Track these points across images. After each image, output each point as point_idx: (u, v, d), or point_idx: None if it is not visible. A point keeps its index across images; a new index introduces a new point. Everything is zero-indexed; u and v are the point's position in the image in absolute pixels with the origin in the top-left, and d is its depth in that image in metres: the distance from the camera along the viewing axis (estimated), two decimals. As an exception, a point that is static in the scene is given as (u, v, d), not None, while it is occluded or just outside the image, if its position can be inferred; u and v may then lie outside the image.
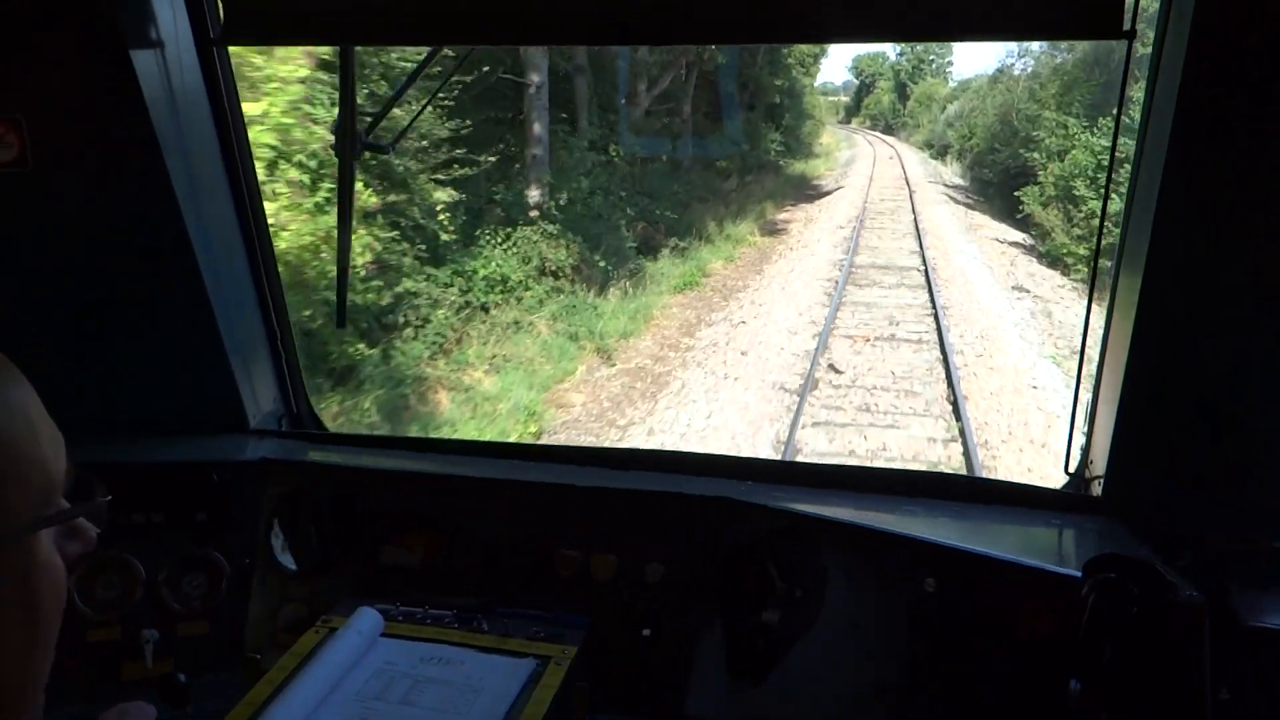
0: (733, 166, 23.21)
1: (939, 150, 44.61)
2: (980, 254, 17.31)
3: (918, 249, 17.13)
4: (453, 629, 1.71)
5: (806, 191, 28.18)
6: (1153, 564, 1.35)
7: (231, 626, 1.89)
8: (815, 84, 48.41)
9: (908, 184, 29.79)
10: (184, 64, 1.92)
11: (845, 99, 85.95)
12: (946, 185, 31.30)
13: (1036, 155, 18.97)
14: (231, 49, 2.03)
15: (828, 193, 28.30)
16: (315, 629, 1.66)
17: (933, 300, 12.90)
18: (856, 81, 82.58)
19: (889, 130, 69.02)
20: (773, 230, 20.67)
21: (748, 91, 25.27)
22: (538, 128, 12.95)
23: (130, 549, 1.82)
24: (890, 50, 70.39)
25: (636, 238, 14.13)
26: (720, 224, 18.05)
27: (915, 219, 21.23)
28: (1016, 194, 19.05)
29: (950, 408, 8.94)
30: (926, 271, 14.79)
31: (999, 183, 23.26)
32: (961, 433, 8.28)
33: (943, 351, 10.41)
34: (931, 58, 66.60)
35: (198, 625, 1.88)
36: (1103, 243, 2.05)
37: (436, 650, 1.62)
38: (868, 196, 26.26)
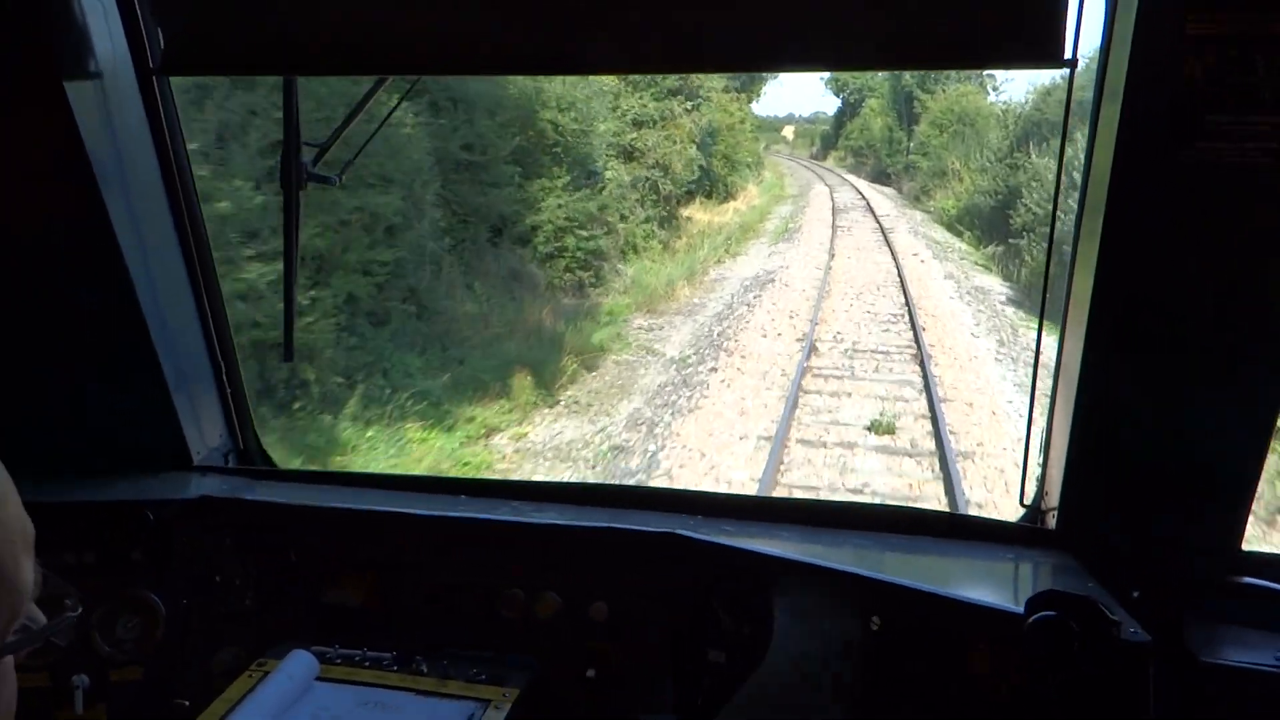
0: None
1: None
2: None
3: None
4: (391, 671, 1.78)
5: None
6: (1095, 601, 1.40)
7: (166, 672, 1.92)
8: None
9: None
10: (123, 95, 1.95)
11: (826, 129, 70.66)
12: None
13: None
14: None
15: None
16: (249, 673, 1.74)
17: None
18: (839, 101, 60.89)
19: (882, 178, 44.11)
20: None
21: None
22: None
23: None
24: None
25: None
26: None
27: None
28: None
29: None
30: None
31: None
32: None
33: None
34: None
35: (131, 671, 1.88)
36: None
37: (373, 694, 1.71)
38: None
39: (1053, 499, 1.89)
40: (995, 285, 16.68)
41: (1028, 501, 1.97)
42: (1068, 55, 1.59)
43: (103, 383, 2.09)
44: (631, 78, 18.10)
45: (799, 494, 7.04)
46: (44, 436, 2.11)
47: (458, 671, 1.74)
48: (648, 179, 17.26)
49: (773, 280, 15.89)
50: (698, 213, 24.93)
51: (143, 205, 2.01)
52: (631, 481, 7.39)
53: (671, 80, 19.60)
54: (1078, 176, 1.76)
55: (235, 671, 1.76)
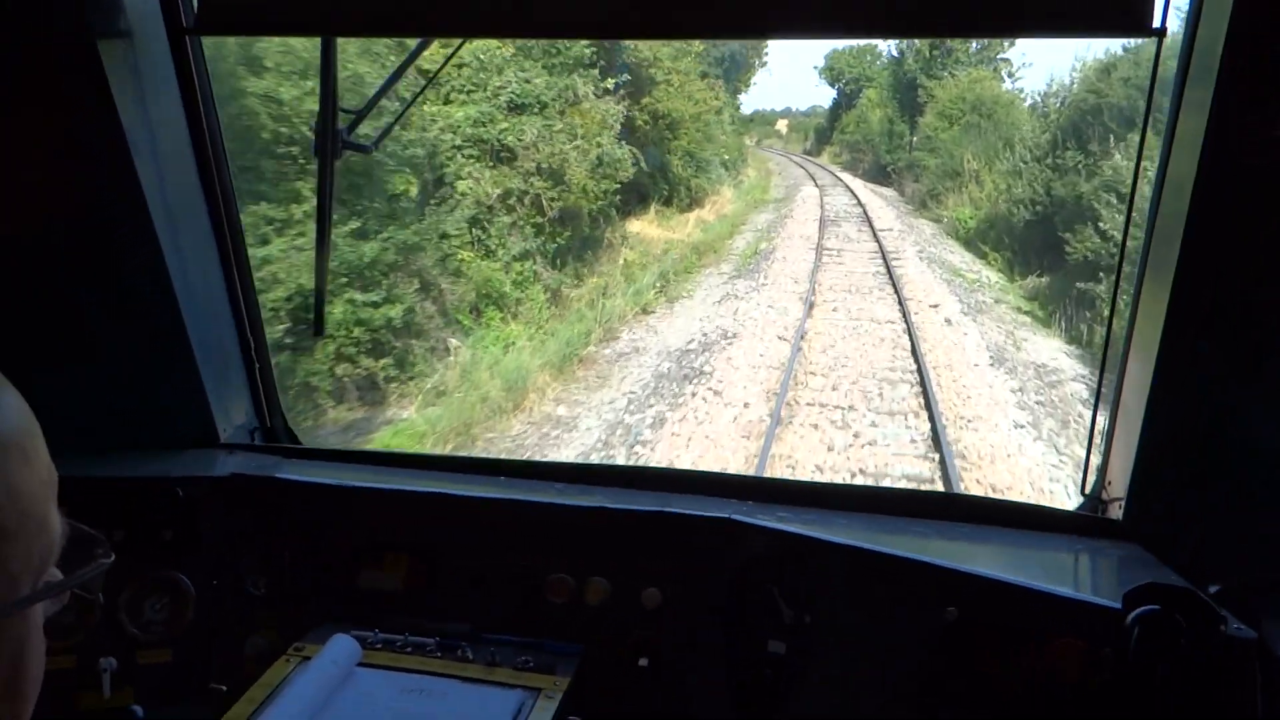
0: None
1: None
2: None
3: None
4: (435, 658, 1.70)
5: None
6: (1198, 594, 1.36)
7: (196, 655, 1.85)
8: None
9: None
10: (154, 55, 1.87)
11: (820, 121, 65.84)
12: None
13: None
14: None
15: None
16: (286, 658, 1.66)
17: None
18: (834, 90, 55.94)
19: (880, 177, 37.67)
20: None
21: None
22: None
23: None
24: (883, 41, 46.97)
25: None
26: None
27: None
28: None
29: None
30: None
31: None
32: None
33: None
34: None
35: (160, 653, 1.82)
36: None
37: (418, 681, 1.62)
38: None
39: (1116, 489, 1.82)
40: (1063, 359, 10.76)
41: (1087, 491, 1.92)
42: (1156, 23, 1.51)
43: (129, 356, 2.02)
44: (521, 41, 12.29)
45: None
46: (69, 408, 1.83)
47: (505, 658, 1.66)
48: (524, 192, 11.39)
49: (703, 371, 9.63)
50: (648, 227, 19.00)
51: (173, 171, 1.93)
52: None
53: (580, 48, 13.67)
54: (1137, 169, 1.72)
55: (268, 655, 1.69)
